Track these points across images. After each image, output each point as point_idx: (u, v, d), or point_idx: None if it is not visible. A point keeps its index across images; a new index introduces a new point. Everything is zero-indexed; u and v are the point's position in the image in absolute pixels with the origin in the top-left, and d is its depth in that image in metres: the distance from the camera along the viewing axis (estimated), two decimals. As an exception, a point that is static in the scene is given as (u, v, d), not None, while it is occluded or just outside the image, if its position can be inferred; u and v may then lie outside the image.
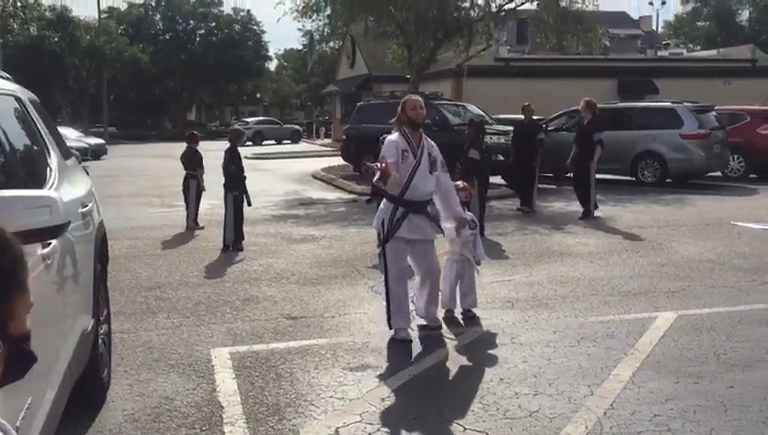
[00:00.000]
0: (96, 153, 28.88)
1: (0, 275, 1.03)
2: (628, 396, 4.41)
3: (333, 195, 16.22)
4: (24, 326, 1.07)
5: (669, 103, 16.93)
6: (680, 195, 14.59)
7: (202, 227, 11.09)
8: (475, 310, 6.23)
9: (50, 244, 2.93)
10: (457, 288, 6.22)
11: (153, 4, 62.84)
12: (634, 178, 16.44)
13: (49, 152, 3.94)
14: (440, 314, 6.09)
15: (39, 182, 3.51)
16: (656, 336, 5.56)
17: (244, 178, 9.88)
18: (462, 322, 6.11)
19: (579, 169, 12.03)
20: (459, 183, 6.35)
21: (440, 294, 6.04)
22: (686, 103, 16.65)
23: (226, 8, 64.75)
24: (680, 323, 5.89)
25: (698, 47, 56.94)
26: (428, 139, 5.77)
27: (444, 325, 5.94)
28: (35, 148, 3.79)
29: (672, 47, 46.28)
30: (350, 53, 41.92)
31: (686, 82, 28.73)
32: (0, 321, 1.02)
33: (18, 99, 3.81)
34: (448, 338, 5.70)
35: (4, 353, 1.03)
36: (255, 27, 64.55)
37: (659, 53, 41.98)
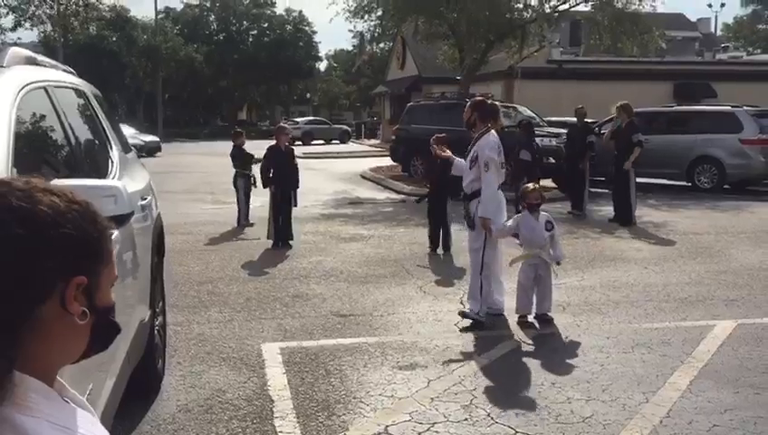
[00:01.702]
0: (151, 150, 29.51)
1: (89, 246, 1.04)
2: (685, 405, 4.29)
3: (382, 195, 16.24)
4: (109, 298, 1.08)
5: (728, 107, 16.46)
6: (738, 201, 14.16)
7: (252, 224, 11.21)
8: (550, 314, 6.09)
9: (113, 233, 2.98)
10: (534, 293, 6.05)
11: (208, 4, 63.97)
12: (690, 184, 16.03)
13: (111, 145, 4.03)
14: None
15: (101, 174, 3.58)
16: (714, 345, 5.40)
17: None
18: (537, 325, 6.00)
19: (618, 173, 11.74)
20: (530, 185, 6.24)
21: (516, 298, 6.07)
22: (745, 107, 16.17)
23: (279, 9, 65.74)
24: (739, 333, 5.71)
25: (758, 50, 55.24)
26: (483, 139, 5.98)
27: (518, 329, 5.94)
28: (98, 140, 3.88)
29: (731, 50, 45.02)
30: (400, 54, 41.95)
31: (745, 86, 27.91)
32: (87, 291, 1.03)
33: (82, 92, 3.91)
34: (509, 340, 5.64)
35: (90, 323, 1.04)
36: (307, 28, 65.19)
37: (718, 56, 40.88)
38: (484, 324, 5.90)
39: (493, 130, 6.04)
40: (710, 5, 78.60)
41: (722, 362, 5.02)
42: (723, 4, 68.79)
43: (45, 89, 3.08)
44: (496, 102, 6.33)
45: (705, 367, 4.92)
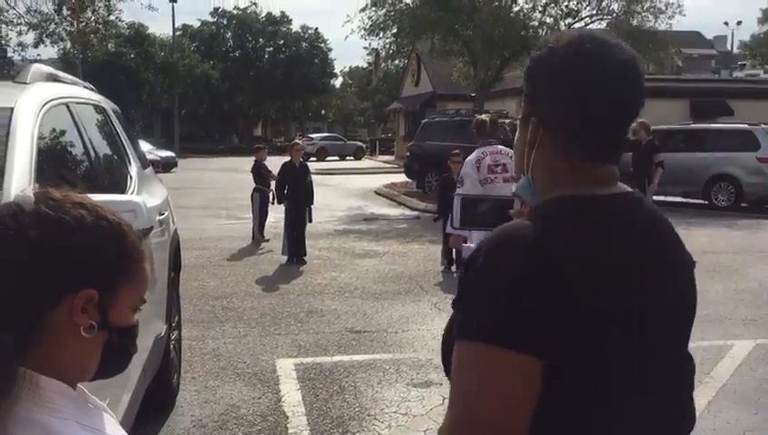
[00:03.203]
0: (167, 166, 29.72)
1: (106, 261, 1.04)
2: (704, 426, 4.23)
3: (396, 211, 16.25)
4: (127, 319, 1.08)
5: (746, 125, 16.37)
6: (756, 220, 14.04)
7: (267, 240, 11.25)
8: None
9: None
10: None
11: (225, 22, 64.64)
12: (707, 202, 15.91)
13: (129, 161, 4.07)
14: None
15: (120, 189, 3.62)
16: (732, 365, 5.33)
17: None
18: None
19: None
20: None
21: None
22: (763, 125, 16.07)
23: (295, 26, 66.06)
24: (759, 353, 5.64)
25: (776, 68, 54.99)
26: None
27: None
28: (117, 156, 3.92)
29: (748, 68, 44.89)
30: (414, 71, 42.14)
31: (763, 104, 27.70)
32: (101, 306, 1.03)
33: (102, 108, 3.96)
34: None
35: (102, 340, 1.04)
36: (322, 45, 65.63)
37: (735, 74, 40.77)
38: None
39: (485, 147, 6.23)
40: (726, 23, 78.22)
41: (741, 383, 4.96)
42: (739, 22, 68.34)
43: (67, 105, 3.13)
44: (510, 119, 6.50)
45: (724, 387, 4.86)
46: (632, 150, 12.27)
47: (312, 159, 40.45)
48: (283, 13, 65.54)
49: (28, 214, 1.01)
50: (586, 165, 1.22)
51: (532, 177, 1.27)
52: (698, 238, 11.77)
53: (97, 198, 2.35)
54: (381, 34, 23.16)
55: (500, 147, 6.30)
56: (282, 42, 64.80)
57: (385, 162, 39.57)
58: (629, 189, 1.29)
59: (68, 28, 25.34)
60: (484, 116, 6.92)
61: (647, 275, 1.21)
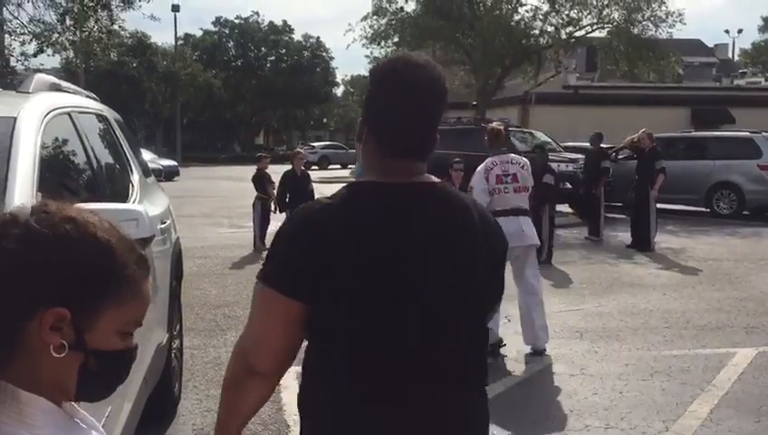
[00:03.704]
0: (169, 175, 29.78)
1: (83, 281, 0.99)
2: (706, 434, 4.23)
3: (398, 219, 16.24)
4: (108, 343, 1.02)
5: (747, 133, 16.38)
6: (758, 228, 14.03)
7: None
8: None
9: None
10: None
11: (227, 31, 64.87)
12: (709, 210, 15.91)
13: (131, 170, 4.08)
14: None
15: (122, 197, 3.63)
16: (734, 373, 5.32)
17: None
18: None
19: (639, 198, 11.68)
20: None
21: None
22: (764, 133, 16.08)
23: (297, 35, 66.28)
24: (761, 361, 5.64)
25: (777, 76, 55.05)
26: None
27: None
28: (119, 165, 3.93)
29: (749, 76, 44.94)
30: (416, 80, 42.20)
31: (764, 112, 27.73)
32: (77, 327, 0.99)
33: (104, 117, 3.98)
34: (524, 367, 5.60)
35: (77, 362, 1.00)
36: (324, 54, 65.82)
37: (736, 82, 40.82)
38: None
39: (496, 157, 6.03)
40: (727, 31, 78.51)
41: (743, 391, 4.95)
42: (740, 30, 68.51)
43: (69, 114, 3.15)
44: (505, 128, 6.29)
45: (726, 395, 4.85)
46: (635, 157, 12.31)
47: (313, 167, 40.55)
48: (284, 22, 65.85)
49: (18, 225, 1.00)
50: (390, 159, 1.53)
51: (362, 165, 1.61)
52: (700, 246, 11.77)
53: (98, 206, 2.37)
54: (383, 43, 23.27)
55: (511, 155, 6.10)
56: (284, 51, 65.01)
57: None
58: (434, 181, 1.59)
59: (71, 38, 25.45)
60: (496, 124, 6.54)
61: (413, 249, 1.47)
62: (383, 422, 1.47)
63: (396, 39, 23.05)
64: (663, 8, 21.40)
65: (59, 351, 0.98)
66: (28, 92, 2.94)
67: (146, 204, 3.83)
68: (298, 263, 1.44)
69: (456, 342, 1.52)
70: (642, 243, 11.30)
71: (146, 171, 4.60)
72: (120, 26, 25.55)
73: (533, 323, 5.86)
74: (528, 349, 5.90)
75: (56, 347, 0.98)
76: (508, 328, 6.09)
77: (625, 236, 12.98)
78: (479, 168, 6.01)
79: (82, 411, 1.09)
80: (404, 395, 1.47)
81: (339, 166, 45.54)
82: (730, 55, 54.16)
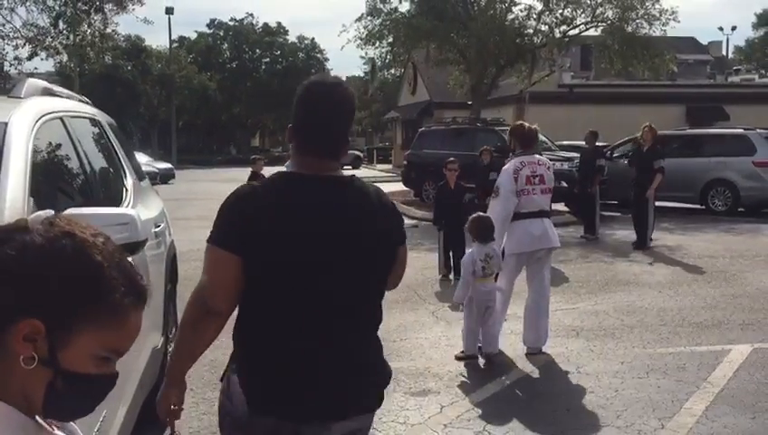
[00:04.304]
0: (164, 177, 29.74)
1: (64, 301, 0.99)
2: (702, 431, 4.24)
3: (394, 220, 16.24)
4: (81, 365, 1.01)
5: (741, 130, 16.42)
6: (753, 224, 14.06)
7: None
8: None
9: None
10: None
11: (221, 33, 64.81)
12: (704, 207, 15.94)
13: (125, 173, 4.08)
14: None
15: (115, 202, 3.63)
16: (730, 370, 5.34)
17: None
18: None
19: (638, 197, 11.68)
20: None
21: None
22: (759, 130, 16.12)
23: (291, 37, 66.25)
24: (756, 357, 5.65)
25: (771, 73, 55.16)
26: (505, 165, 6.01)
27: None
28: (112, 169, 3.93)
29: (743, 73, 45.03)
30: (411, 80, 42.26)
31: (758, 109, 27.81)
32: (51, 343, 0.98)
33: (97, 122, 3.98)
34: (522, 366, 5.61)
35: (46, 378, 1.00)
36: (319, 55, 65.81)
37: (730, 79, 40.90)
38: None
39: (534, 156, 5.88)
40: (721, 29, 78.77)
41: (738, 387, 4.97)
42: (734, 28, 68.94)
43: (61, 119, 3.14)
44: (534, 127, 6.08)
45: (722, 392, 4.87)
46: (634, 155, 12.31)
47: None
48: (279, 23, 65.87)
49: (25, 233, 1.02)
50: (307, 157, 2.05)
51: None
52: (695, 243, 11.80)
53: (90, 211, 2.37)
54: (377, 44, 23.26)
55: (538, 157, 5.94)
56: (278, 52, 64.97)
57: (383, 171, 39.64)
58: (343, 175, 2.11)
59: (64, 41, 25.40)
60: (525, 124, 6.21)
61: (318, 220, 1.97)
62: (298, 352, 1.97)
63: (390, 39, 23.02)
64: (656, 6, 21.42)
65: (28, 363, 0.98)
66: (20, 97, 2.94)
67: (139, 208, 3.83)
68: (230, 226, 1.97)
69: (356, 294, 2.04)
70: (638, 240, 11.31)
71: (140, 175, 4.60)
72: (113, 30, 25.50)
73: (539, 325, 5.86)
74: (524, 348, 5.90)
75: (26, 358, 0.98)
76: (503, 327, 6.09)
77: (621, 233, 13.02)
78: (507, 168, 5.79)
79: (55, 425, 1.08)
80: (315, 330, 1.98)
81: (335, 167, 45.53)
82: (724, 53, 54.27)
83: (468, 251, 5.75)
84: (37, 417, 1.04)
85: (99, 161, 3.70)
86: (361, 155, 50.83)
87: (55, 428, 1.08)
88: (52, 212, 1.08)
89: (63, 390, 1.01)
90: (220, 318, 2.00)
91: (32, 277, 0.98)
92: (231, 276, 1.95)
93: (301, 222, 1.96)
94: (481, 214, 5.83)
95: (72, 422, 1.14)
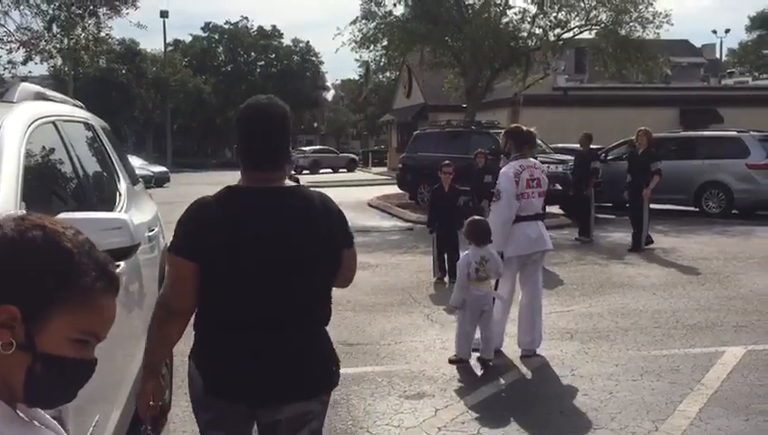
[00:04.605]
0: (159, 181, 29.71)
1: (38, 287, 1.04)
2: (695, 433, 4.25)
3: (389, 223, 16.27)
4: (58, 348, 1.05)
5: (735, 132, 16.48)
6: (747, 226, 14.11)
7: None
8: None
9: (118, 265, 3.02)
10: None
11: (216, 36, 64.81)
12: (698, 209, 15.99)
13: (118, 178, 4.08)
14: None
15: (109, 206, 3.62)
16: (723, 372, 5.35)
17: None
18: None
19: (633, 199, 11.73)
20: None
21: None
22: (752, 132, 16.18)
23: (286, 40, 66.30)
24: (749, 359, 5.67)
25: (764, 75, 55.37)
26: (504, 168, 5.98)
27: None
28: (106, 173, 3.93)
29: (737, 75, 45.19)
30: (406, 83, 42.31)
31: (752, 111, 27.92)
32: (28, 329, 1.03)
33: (91, 126, 3.97)
34: (516, 369, 5.61)
35: (25, 363, 1.03)
36: (314, 58, 65.91)
37: (723, 82, 41.05)
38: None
39: (529, 159, 5.91)
40: (715, 31, 78.82)
41: (732, 389, 4.98)
42: (728, 30, 68.87)
43: (54, 123, 3.14)
44: (531, 130, 6.09)
45: (715, 394, 4.88)
46: (629, 158, 12.34)
47: (305, 171, 40.54)
48: (274, 27, 65.94)
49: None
50: (250, 171, 2.30)
51: None
52: (689, 246, 11.83)
53: (83, 215, 2.37)
54: (372, 47, 23.26)
55: (533, 160, 5.99)
56: (273, 55, 65.03)
57: (378, 174, 39.64)
58: (286, 185, 2.34)
59: (58, 46, 25.36)
60: (522, 126, 6.22)
61: (259, 231, 2.21)
62: (249, 344, 2.22)
63: (385, 43, 23.03)
64: (650, 9, 21.46)
65: (6, 348, 1.01)
66: (12, 102, 2.93)
67: (133, 212, 3.83)
68: (186, 236, 2.23)
69: (301, 292, 2.27)
70: (635, 245, 11.32)
71: (134, 179, 4.59)
72: (107, 34, 25.46)
73: (534, 328, 5.88)
74: (518, 350, 5.91)
75: (4, 344, 1.01)
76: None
77: (616, 236, 13.05)
78: (507, 171, 5.79)
79: (41, 411, 1.11)
80: (264, 325, 2.23)
81: (330, 170, 45.55)
82: (717, 55, 54.43)
83: (464, 253, 5.75)
84: (19, 412, 1.07)
85: (92, 165, 3.70)
86: (357, 158, 50.87)
87: (37, 423, 1.10)
88: (24, 212, 1.13)
89: (43, 374, 1.04)
90: (181, 317, 2.27)
91: (5, 267, 1.02)
92: (188, 280, 2.20)
93: (246, 231, 2.21)
94: (477, 217, 5.84)
95: (59, 426, 1.15)
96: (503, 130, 6.36)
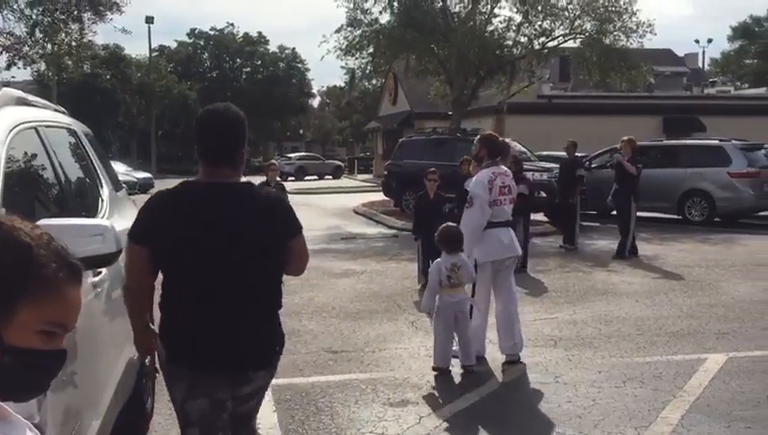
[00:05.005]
0: (144, 187, 29.54)
1: (2, 280, 1.06)
2: (678, 440, 4.27)
3: (374, 230, 16.27)
4: (26, 340, 1.07)
5: (717, 141, 16.65)
6: (729, 234, 14.24)
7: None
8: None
9: (100, 272, 2.99)
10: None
11: (202, 42, 64.60)
12: (681, 217, 16.12)
13: (101, 184, 4.05)
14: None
15: (91, 212, 3.60)
16: (705, 378, 5.39)
17: None
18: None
19: (620, 207, 11.86)
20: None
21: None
22: (734, 141, 16.35)
23: (272, 46, 66.19)
24: (731, 366, 5.71)
25: (746, 85, 56.04)
26: (476, 175, 6.09)
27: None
28: (88, 179, 3.90)
29: (719, 85, 45.69)
30: (392, 90, 42.37)
31: (733, 120, 28.22)
32: None
33: (73, 132, 3.95)
34: (500, 376, 5.62)
35: None
36: (300, 65, 65.80)
37: (706, 91, 41.49)
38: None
39: (500, 166, 6.00)
40: (697, 41, 79.58)
41: (713, 396, 5.01)
42: (710, 40, 69.66)
43: (36, 129, 3.11)
44: (507, 141, 6.22)
45: (697, 401, 4.91)
46: (615, 168, 12.45)
47: (290, 178, 40.43)
48: (260, 33, 65.78)
49: None
50: (205, 167, 2.65)
51: None
52: (672, 253, 11.92)
53: (64, 222, 2.35)
54: (357, 54, 23.27)
55: (504, 168, 6.06)
56: (259, 62, 64.88)
57: (363, 181, 39.63)
58: (236, 181, 2.66)
59: (41, 51, 25.17)
60: (497, 135, 6.32)
61: (211, 218, 2.55)
62: (203, 316, 2.56)
63: (370, 50, 23.05)
64: (633, 19, 21.64)
65: None
66: (-7, 107, 2.90)
67: (115, 218, 3.80)
68: (141, 225, 2.60)
69: (247, 275, 2.58)
70: (619, 252, 11.40)
71: (116, 185, 4.56)
72: (90, 40, 25.27)
73: (514, 332, 5.89)
74: (502, 357, 5.92)
75: None
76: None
77: (600, 243, 13.13)
78: (481, 178, 5.87)
79: (15, 414, 1.12)
80: (213, 300, 2.56)
81: (315, 176, 45.47)
82: (700, 65, 54.98)
83: (436, 260, 5.77)
84: None
85: (74, 171, 3.67)
86: (342, 165, 50.83)
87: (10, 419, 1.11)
88: None
89: (12, 367, 1.06)
90: (139, 294, 2.67)
91: None
92: (141, 262, 2.59)
93: (199, 219, 2.55)
94: (450, 224, 5.87)
95: (32, 427, 1.15)
96: (477, 136, 6.43)
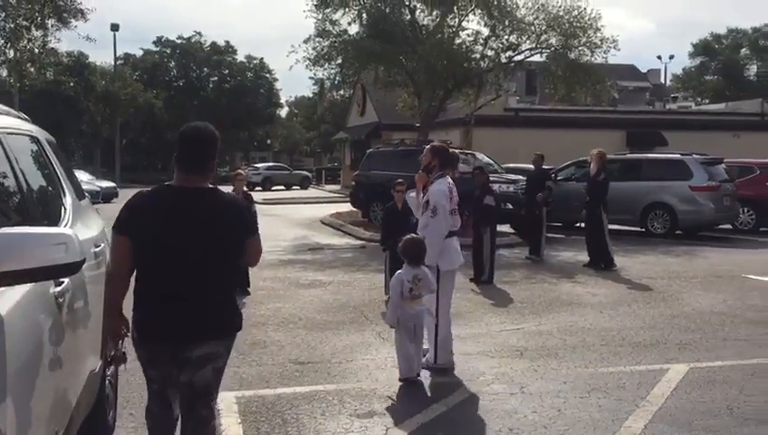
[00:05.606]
0: (107, 196, 29.11)
1: None
2: (641, 449, 4.32)
3: (342, 240, 16.24)
4: None
5: (678, 155, 16.99)
6: (690, 247, 14.53)
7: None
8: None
9: (62, 282, 2.94)
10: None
11: (168, 51, 64.01)
12: (644, 229, 16.39)
13: (64, 192, 3.98)
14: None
15: (54, 221, 3.53)
16: (668, 389, 5.48)
17: None
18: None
19: (591, 219, 12.11)
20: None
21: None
22: (695, 155, 16.71)
23: (240, 56, 65.87)
24: (692, 376, 5.81)
25: (706, 100, 57.34)
26: (435, 184, 6.04)
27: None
28: (51, 187, 3.83)
29: (680, 100, 46.68)
30: (360, 101, 42.47)
31: (694, 135, 28.87)
32: None
33: (35, 139, 3.88)
34: (467, 387, 5.63)
35: None
36: (268, 75, 65.58)
37: (668, 106, 42.35)
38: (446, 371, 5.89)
39: (448, 177, 6.13)
40: (659, 57, 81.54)
41: (676, 406, 5.09)
42: (672, 56, 71.73)
43: (-3, 136, 3.05)
44: (455, 149, 6.37)
45: (660, 411, 4.98)
46: (586, 181, 12.70)
47: (257, 188, 40.20)
48: (227, 42, 65.42)
49: None
50: (179, 174, 3.24)
51: None
52: (635, 265, 12.11)
53: (26, 230, 2.30)
54: (326, 65, 23.30)
55: (450, 178, 6.18)
56: (227, 71, 64.49)
57: (331, 192, 39.57)
58: (204, 186, 3.25)
59: (2, 57, 24.70)
60: (437, 143, 6.59)
61: (179, 219, 3.16)
62: (170, 311, 3.20)
63: (339, 61, 23.10)
64: (598, 35, 22.06)
65: None
66: (-47, 113, 2.84)
67: (79, 227, 3.74)
68: (122, 219, 3.21)
69: (208, 265, 3.19)
70: (604, 261, 11.66)
71: (80, 194, 4.49)
72: (53, 47, 24.86)
73: (451, 341, 5.99)
74: (470, 369, 5.93)
75: None
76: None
77: (565, 255, 13.28)
78: (441, 188, 5.94)
79: None
80: (180, 296, 3.18)
81: (282, 187, 45.28)
82: (662, 80, 56.12)
83: (397, 272, 5.78)
84: None
85: (36, 180, 3.60)
86: (310, 175, 50.69)
87: None
88: None
89: None
90: (119, 277, 3.27)
91: None
92: (123, 251, 3.21)
93: (170, 217, 3.16)
94: (414, 236, 5.88)
95: None
96: (426, 146, 6.54)
